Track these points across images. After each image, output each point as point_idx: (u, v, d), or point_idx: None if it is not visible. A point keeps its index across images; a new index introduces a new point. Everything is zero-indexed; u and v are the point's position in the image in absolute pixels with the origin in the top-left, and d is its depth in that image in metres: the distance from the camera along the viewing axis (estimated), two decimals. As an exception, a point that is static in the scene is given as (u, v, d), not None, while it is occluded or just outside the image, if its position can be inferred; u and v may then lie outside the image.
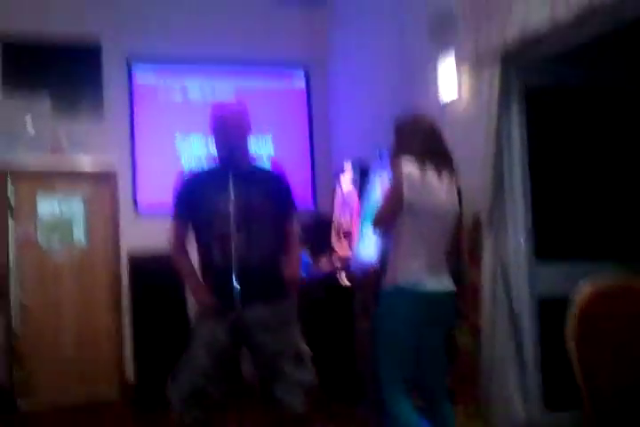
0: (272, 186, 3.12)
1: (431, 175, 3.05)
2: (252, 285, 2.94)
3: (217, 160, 3.14)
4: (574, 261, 3.91)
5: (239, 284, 2.93)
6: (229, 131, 3.04)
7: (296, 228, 3.19)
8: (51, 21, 6.17)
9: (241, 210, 2.95)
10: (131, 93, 6.50)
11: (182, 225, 3.11)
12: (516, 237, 3.90)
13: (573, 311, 2.58)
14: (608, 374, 2.54)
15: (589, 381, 2.56)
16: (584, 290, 2.62)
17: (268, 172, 3.38)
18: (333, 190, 6.01)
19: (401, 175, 2.99)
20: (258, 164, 3.41)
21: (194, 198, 3.05)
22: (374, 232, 3.44)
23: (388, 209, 3.10)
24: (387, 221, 3.11)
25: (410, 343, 3.12)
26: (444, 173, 3.11)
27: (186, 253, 3.13)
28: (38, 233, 6.29)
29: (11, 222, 6.17)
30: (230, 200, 2.93)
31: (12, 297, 6.09)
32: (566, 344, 2.59)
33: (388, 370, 3.15)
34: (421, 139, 3.13)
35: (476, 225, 3.94)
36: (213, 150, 3.15)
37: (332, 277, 5.40)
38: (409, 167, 3.01)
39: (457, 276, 3.34)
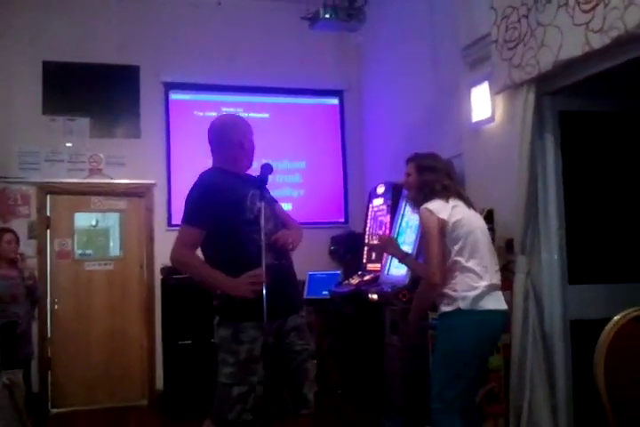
0: (270, 194, 3.16)
1: (461, 206, 3.33)
2: (290, 294, 3.04)
3: (231, 164, 3.09)
4: (606, 284, 3.95)
5: (283, 293, 2.95)
6: (252, 144, 3.15)
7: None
8: (92, 47, 6.41)
9: (274, 214, 3.03)
10: (167, 112, 6.69)
11: (201, 234, 2.94)
12: (549, 259, 3.92)
13: (605, 336, 2.63)
14: (635, 395, 2.58)
15: (616, 402, 2.60)
16: (617, 317, 2.67)
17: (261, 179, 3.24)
18: (366, 209, 6.10)
19: (434, 227, 3.22)
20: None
21: (223, 207, 2.93)
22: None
23: (435, 262, 3.23)
24: (440, 270, 3.23)
25: (475, 364, 3.27)
26: (467, 201, 3.40)
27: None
28: (75, 245, 6.48)
29: (49, 236, 6.35)
30: (260, 208, 2.90)
31: (47, 305, 6.24)
32: (594, 366, 2.64)
33: (445, 390, 3.24)
34: (444, 175, 3.41)
35: (508, 247, 3.98)
36: (234, 160, 3.11)
37: (361, 293, 5.46)
38: (439, 210, 3.25)
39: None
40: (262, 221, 2.79)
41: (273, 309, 2.79)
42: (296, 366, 3.00)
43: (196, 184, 3.03)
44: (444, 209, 3.27)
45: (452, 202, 3.32)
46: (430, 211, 3.26)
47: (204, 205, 2.93)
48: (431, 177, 3.39)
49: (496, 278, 3.32)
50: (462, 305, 3.19)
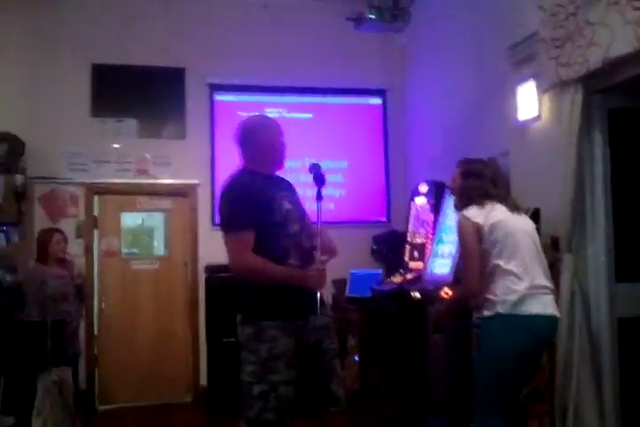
0: (296, 192, 3.18)
1: (500, 209, 3.33)
2: (311, 295, 2.99)
3: (262, 166, 3.08)
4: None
5: (304, 294, 2.93)
6: (283, 144, 3.14)
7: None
8: (138, 49, 6.53)
9: (300, 217, 3.02)
10: (211, 113, 6.78)
11: (253, 234, 2.89)
12: (596, 257, 3.90)
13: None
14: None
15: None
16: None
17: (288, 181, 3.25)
18: (409, 207, 6.11)
19: (471, 233, 3.26)
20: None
21: (261, 206, 2.92)
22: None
23: (473, 268, 3.28)
24: (477, 278, 3.27)
25: (516, 370, 3.25)
26: (511, 205, 3.40)
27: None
28: (121, 244, 6.61)
29: (96, 235, 6.50)
30: (293, 207, 2.98)
31: (94, 304, 6.38)
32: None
33: (487, 393, 3.27)
34: (489, 182, 3.42)
35: (555, 246, 3.97)
36: (264, 162, 3.09)
37: (404, 291, 5.47)
38: (475, 215, 3.29)
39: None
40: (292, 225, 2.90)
41: (295, 309, 2.87)
42: (324, 364, 2.99)
43: (228, 187, 3.01)
44: (479, 214, 3.31)
45: (490, 206, 3.34)
46: (466, 217, 3.32)
47: (244, 205, 2.90)
48: (474, 184, 3.42)
49: (542, 279, 3.28)
50: (502, 310, 3.19)
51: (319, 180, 2.99)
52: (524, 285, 3.20)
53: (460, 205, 3.45)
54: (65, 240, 5.40)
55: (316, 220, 2.93)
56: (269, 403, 2.83)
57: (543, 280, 3.29)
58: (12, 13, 6.33)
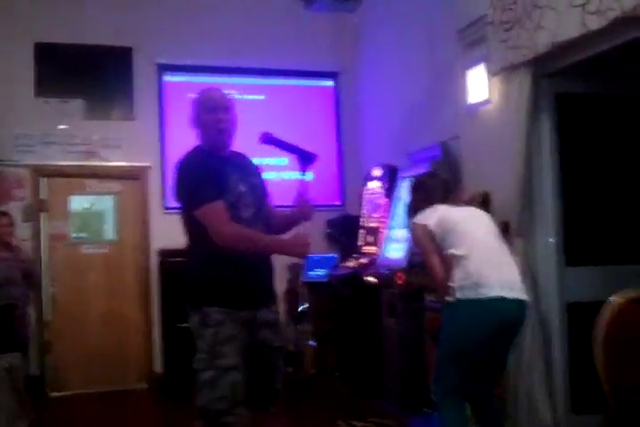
0: (259, 174, 3.07)
1: (443, 207, 3.49)
2: (269, 283, 2.97)
3: (211, 145, 2.94)
4: (603, 267, 3.96)
5: (265, 281, 2.93)
6: (230, 116, 2.96)
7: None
8: (85, 28, 6.31)
9: (256, 200, 2.92)
10: (160, 94, 6.64)
11: (224, 205, 2.77)
12: (545, 241, 3.93)
13: (604, 317, 2.64)
14: (634, 377, 2.60)
15: (615, 383, 2.62)
16: (616, 298, 2.68)
17: (249, 158, 3.13)
18: (362, 191, 6.08)
19: (422, 235, 3.44)
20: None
21: (221, 182, 2.81)
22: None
23: (432, 263, 3.41)
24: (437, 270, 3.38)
25: (475, 356, 3.28)
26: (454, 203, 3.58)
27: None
28: (70, 228, 6.45)
29: (43, 218, 6.33)
30: (248, 190, 2.87)
31: (44, 289, 6.23)
32: (593, 347, 2.65)
33: (449, 378, 3.30)
34: (442, 190, 3.59)
35: (505, 229, 3.97)
36: (214, 141, 2.94)
37: (358, 276, 5.47)
38: (421, 219, 3.46)
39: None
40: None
41: (244, 298, 2.79)
42: (272, 362, 2.95)
43: (185, 163, 2.88)
44: (424, 216, 3.46)
45: (434, 208, 3.49)
46: (415, 223, 3.51)
47: (208, 177, 2.77)
48: (421, 196, 3.62)
49: (502, 260, 3.31)
50: (460, 295, 3.21)
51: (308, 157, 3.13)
52: (476, 264, 3.22)
53: (411, 216, 3.62)
54: (11, 224, 5.25)
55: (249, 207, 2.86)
56: (217, 389, 2.72)
57: (504, 260, 3.33)
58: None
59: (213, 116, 2.91)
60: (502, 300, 3.18)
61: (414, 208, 3.62)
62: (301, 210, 3.04)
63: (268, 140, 3.02)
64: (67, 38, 6.28)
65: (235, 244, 2.74)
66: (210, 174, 2.77)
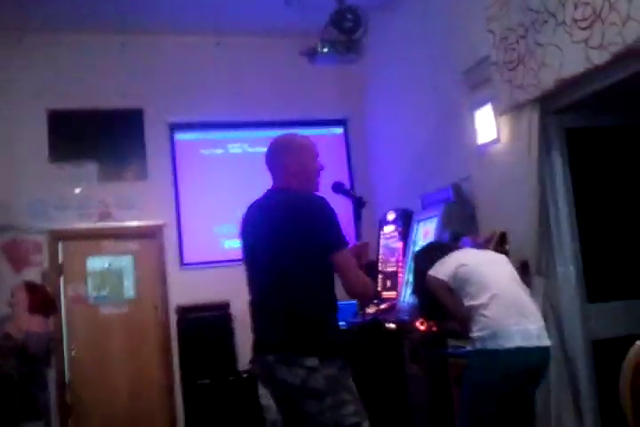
0: None
1: (456, 255, 3.55)
2: None
3: (311, 191, 2.90)
4: (626, 302, 3.89)
5: None
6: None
7: None
8: (95, 93, 6.41)
9: None
10: (173, 153, 6.70)
11: None
12: (566, 279, 3.87)
13: (630, 362, 2.55)
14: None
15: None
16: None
17: None
18: (378, 236, 6.05)
19: (440, 288, 3.44)
20: None
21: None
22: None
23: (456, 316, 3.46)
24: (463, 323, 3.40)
25: (498, 403, 3.17)
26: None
27: None
28: (88, 289, 6.45)
29: (62, 281, 6.34)
30: None
31: (65, 352, 6.19)
32: (620, 393, 2.55)
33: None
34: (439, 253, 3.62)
35: (524, 270, 3.92)
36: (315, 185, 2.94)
37: (378, 322, 5.38)
38: (437, 272, 3.46)
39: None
40: None
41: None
42: None
43: (322, 204, 2.74)
44: (440, 269, 3.46)
45: (450, 255, 3.51)
46: (429, 275, 3.49)
47: (339, 223, 2.70)
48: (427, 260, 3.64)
49: (523, 305, 3.24)
50: (479, 345, 3.17)
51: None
52: (495, 313, 3.15)
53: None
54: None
55: None
56: None
57: (525, 305, 3.24)
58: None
59: (318, 163, 2.94)
60: (521, 350, 3.09)
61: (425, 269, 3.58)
62: (358, 251, 2.91)
63: (339, 189, 3.13)
64: (78, 103, 6.37)
65: (367, 292, 2.81)
66: (339, 221, 2.70)
